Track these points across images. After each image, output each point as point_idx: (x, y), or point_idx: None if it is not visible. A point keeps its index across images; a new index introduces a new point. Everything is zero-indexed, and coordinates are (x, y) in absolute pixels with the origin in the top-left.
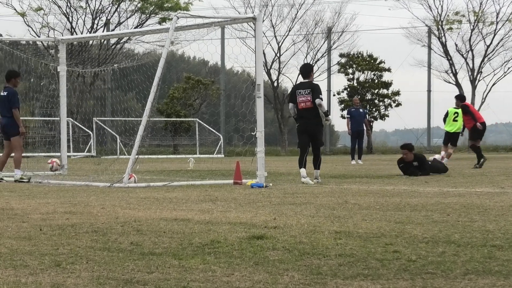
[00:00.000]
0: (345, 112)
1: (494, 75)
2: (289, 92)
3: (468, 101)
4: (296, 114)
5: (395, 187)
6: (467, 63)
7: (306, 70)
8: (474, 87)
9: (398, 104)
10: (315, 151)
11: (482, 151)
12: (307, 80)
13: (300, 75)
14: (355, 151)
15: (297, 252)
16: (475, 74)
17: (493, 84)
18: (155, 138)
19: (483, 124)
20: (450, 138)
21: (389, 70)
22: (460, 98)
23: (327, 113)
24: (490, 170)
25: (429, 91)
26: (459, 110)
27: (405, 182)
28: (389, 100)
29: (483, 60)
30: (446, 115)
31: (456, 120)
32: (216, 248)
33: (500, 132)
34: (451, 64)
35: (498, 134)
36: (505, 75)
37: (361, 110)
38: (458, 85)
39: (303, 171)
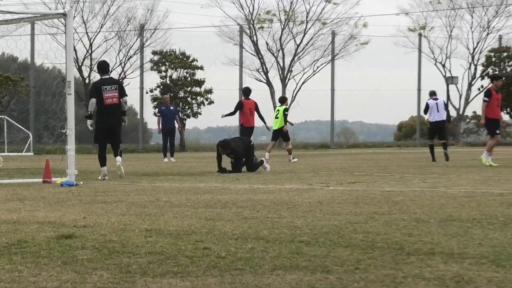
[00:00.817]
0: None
1: (304, 73)
2: (90, 87)
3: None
4: (97, 109)
5: (206, 184)
6: (277, 62)
7: (106, 66)
8: (284, 86)
9: (211, 102)
10: (116, 149)
11: (292, 149)
12: (111, 77)
13: (99, 71)
14: (167, 149)
15: (107, 251)
16: (286, 72)
17: (303, 83)
18: None
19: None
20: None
21: (201, 68)
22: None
23: (125, 113)
24: (299, 167)
25: (241, 89)
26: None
27: (216, 180)
28: (201, 98)
29: (293, 59)
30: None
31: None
32: (23, 248)
33: (310, 129)
34: (262, 63)
35: (307, 132)
36: (314, 74)
37: (171, 107)
38: (269, 83)
39: (105, 169)
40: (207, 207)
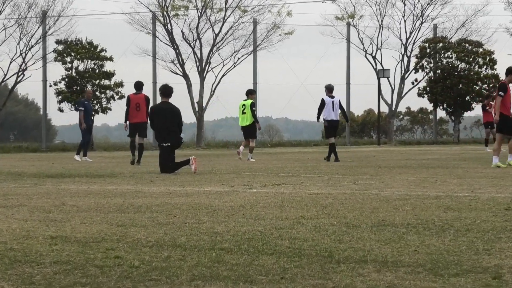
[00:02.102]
0: (63, 105)
1: (224, 65)
2: None
3: (196, 94)
4: None
5: (117, 187)
6: (194, 53)
7: None
8: (202, 79)
9: (122, 97)
10: None
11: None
12: None
13: None
14: (84, 147)
15: (8, 260)
16: (204, 64)
17: (223, 76)
18: None
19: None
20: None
21: (111, 59)
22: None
23: None
24: (220, 167)
25: (154, 82)
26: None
27: (128, 182)
28: (111, 92)
29: (211, 50)
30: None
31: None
32: None
33: (230, 126)
34: (178, 54)
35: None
36: (234, 66)
37: (90, 103)
38: (185, 76)
39: None
40: (119, 211)
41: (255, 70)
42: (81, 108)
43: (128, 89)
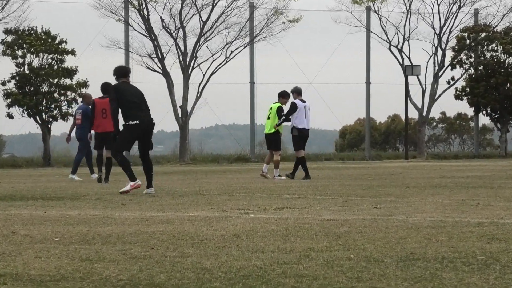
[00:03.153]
0: (14, 109)
1: (213, 60)
2: None
3: (179, 96)
4: None
5: (81, 211)
6: (177, 45)
7: None
8: (187, 77)
9: None
10: None
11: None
12: None
13: None
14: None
15: None
16: (188, 59)
17: (212, 73)
18: None
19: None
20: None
21: (73, 53)
22: None
23: None
24: (208, 187)
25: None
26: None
27: (95, 205)
28: (73, 94)
29: (198, 41)
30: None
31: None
32: None
33: (222, 136)
34: (156, 46)
35: (219, 140)
36: (226, 62)
37: None
38: (166, 73)
39: None
40: (82, 242)
41: (252, 67)
42: (79, 111)
43: (95, 91)
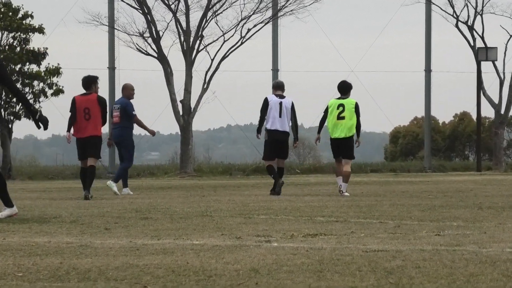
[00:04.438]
0: None
1: (224, 41)
2: None
3: (179, 87)
4: None
5: (52, 238)
6: (177, 21)
7: None
8: (190, 63)
9: (59, 92)
10: None
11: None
12: None
13: None
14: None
15: None
16: (192, 40)
17: (223, 58)
18: None
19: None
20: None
21: (41, 30)
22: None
23: None
24: (218, 207)
25: (111, 68)
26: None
27: (70, 229)
28: (41, 84)
29: (204, 16)
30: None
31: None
32: None
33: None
34: (150, 22)
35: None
36: (242, 43)
37: None
38: (162, 58)
39: None
40: (53, 279)
41: (276, 50)
42: (134, 112)
43: (69, 80)
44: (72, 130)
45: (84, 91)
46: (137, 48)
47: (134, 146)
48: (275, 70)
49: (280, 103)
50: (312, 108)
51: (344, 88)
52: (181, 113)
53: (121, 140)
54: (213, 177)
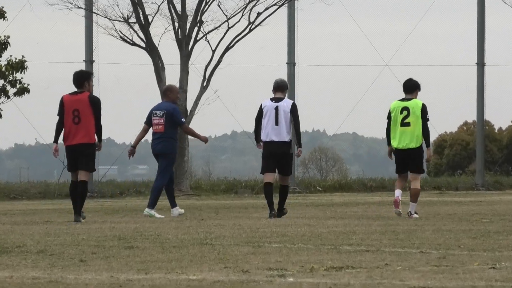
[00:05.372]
0: None
1: (228, 28)
2: None
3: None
4: None
5: (14, 272)
6: (170, 3)
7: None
8: (185, 55)
9: (24, 91)
10: None
11: None
12: None
13: None
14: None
15: None
16: (188, 26)
17: (227, 49)
18: None
19: None
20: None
21: (1, 15)
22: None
23: None
24: (221, 233)
25: (89, 61)
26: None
27: (36, 261)
28: (2, 81)
29: None
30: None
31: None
32: None
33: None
34: (137, 4)
35: (238, 156)
36: (250, 30)
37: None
38: (152, 48)
39: None
40: None
41: (292, 40)
42: (184, 120)
43: (35, 77)
44: (60, 139)
45: (74, 90)
46: (120, 37)
47: (175, 161)
48: (291, 64)
49: (276, 108)
50: (336, 110)
51: (409, 87)
52: None
53: (165, 154)
54: (214, 196)
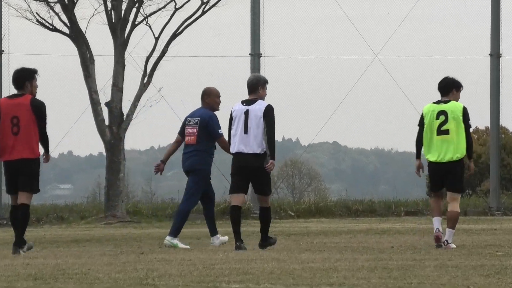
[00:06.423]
0: None
1: (176, 10)
2: None
3: (104, 81)
4: None
5: None
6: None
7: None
8: (121, 45)
9: None
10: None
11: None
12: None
13: None
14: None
15: None
16: (123, 8)
17: (174, 36)
18: None
19: None
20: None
21: None
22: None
23: None
24: (166, 271)
25: (6, 54)
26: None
27: None
28: None
29: None
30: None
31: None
32: None
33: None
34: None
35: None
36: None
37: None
38: (78, 35)
39: None
40: None
41: (257, 25)
42: (221, 132)
43: None
44: None
45: (13, 93)
46: (37, 20)
47: (208, 179)
48: (255, 55)
49: (246, 112)
50: (312, 113)
51: (443, 87)
52: (107, 122)
53: (195, 171)
54: (158, 223)
